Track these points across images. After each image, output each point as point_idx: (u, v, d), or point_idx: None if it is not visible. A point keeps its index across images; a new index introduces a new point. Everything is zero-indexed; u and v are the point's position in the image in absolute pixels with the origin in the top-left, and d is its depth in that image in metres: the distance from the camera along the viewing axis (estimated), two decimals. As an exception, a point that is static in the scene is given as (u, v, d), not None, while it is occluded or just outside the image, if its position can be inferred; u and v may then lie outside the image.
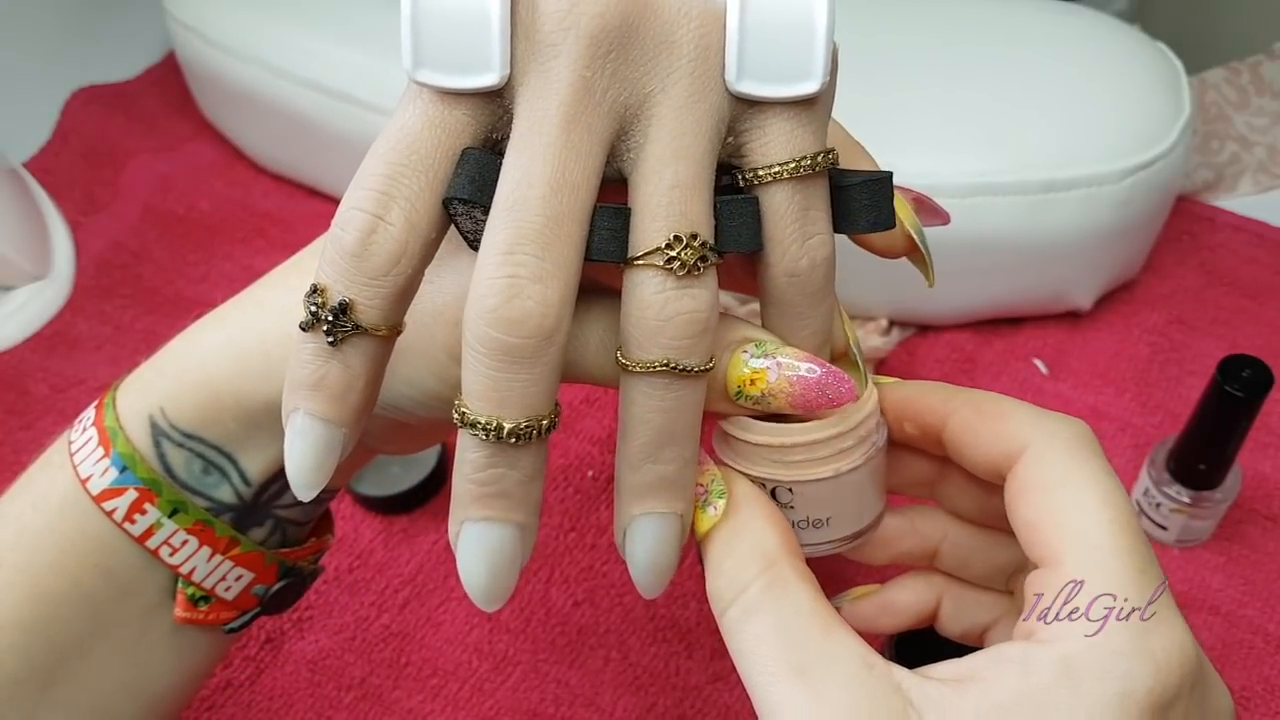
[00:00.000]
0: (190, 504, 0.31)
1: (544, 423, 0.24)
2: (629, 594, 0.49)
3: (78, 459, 0.31)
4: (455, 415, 0.24)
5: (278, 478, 0.32)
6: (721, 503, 0.28)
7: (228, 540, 0.32)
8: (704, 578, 0.27)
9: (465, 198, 0.24)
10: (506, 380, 0.23)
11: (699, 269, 0.24)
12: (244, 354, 0.30)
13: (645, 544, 0.26)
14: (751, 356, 0.26)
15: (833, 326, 0.28)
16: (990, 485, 0.29)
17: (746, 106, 0.25)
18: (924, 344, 0.60)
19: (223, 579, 0.32)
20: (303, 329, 0.25)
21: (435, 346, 0.28)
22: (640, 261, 0.24)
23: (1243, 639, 0.48)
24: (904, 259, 0.30)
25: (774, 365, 0.26)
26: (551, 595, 0.50)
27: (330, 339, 0.24)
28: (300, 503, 0.34)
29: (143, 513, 0.31)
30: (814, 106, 0.25)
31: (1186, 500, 0.48)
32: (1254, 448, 0.54)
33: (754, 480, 0.28)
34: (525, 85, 0.24)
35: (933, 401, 0.29)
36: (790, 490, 0.28)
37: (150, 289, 0.64)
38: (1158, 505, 0.49)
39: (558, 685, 0.47)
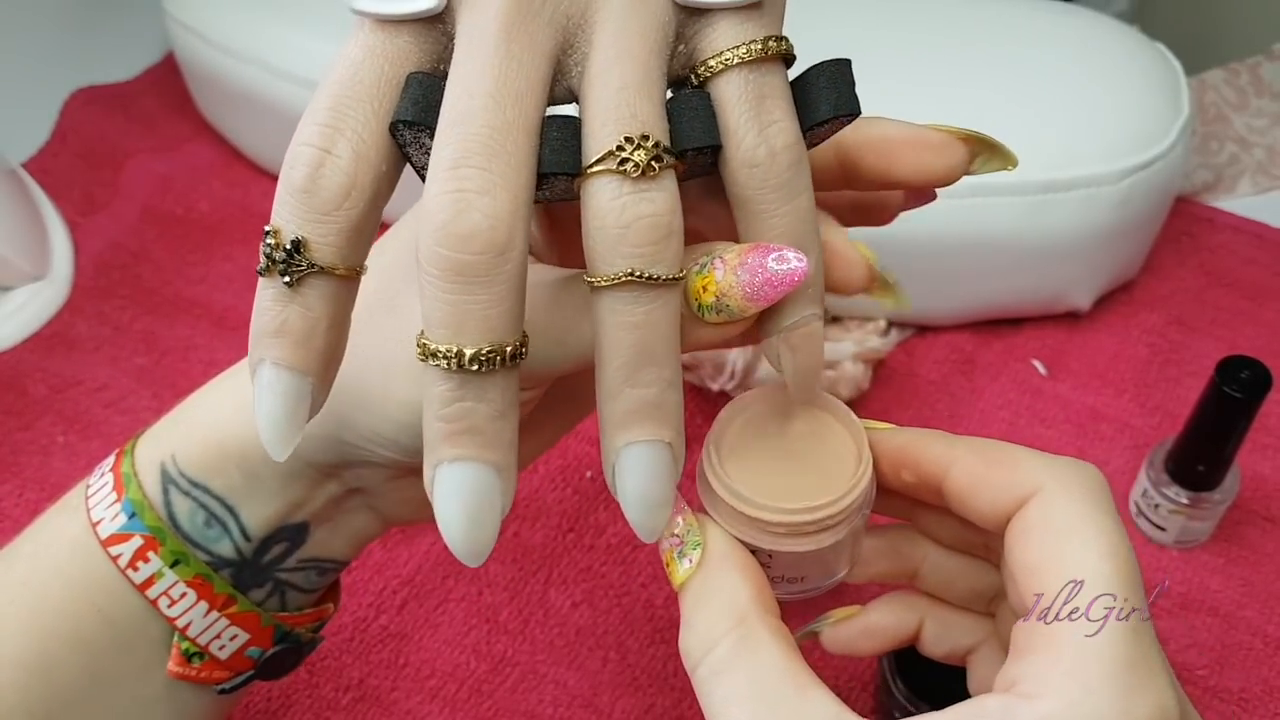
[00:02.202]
0: (191, 556, 0.31)
1: (508, 350, 0.23)
2: (627, 595, 0.49)
3: (92, 502, 0.31)
4: (417, 349, 0.23)
5: (278, 536, 0.32)
6: (696, 554, 0.27)
7: (225, 597, 0.31)
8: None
9: (410, 119, 0.23)
10: (463, 303, 0.22)
11: (654, 169, 0.23)
12: (250, 402, 0.30)
13: (634, 476, 0.25)
14: (700, 266, 0.25)
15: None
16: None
17: (694, 16, 0.25)
18: (923, 344, 0.59)
19: (217, 636, 0.32)
20: (260, 274, 0.24)
21: (389, 401, 0.28)
22: (593, 169, 0.23)
23: (1241, 640, 0.48)
24: (865, 294, 0.29)
25: (719, 265, 0.25)
26: (550, 596, 0.49)
27: (286, 279, 0.23)
28: (304, 568, 0.33)
29: (145, 560, 0.31)
30: (762, 8, 0.25)
31: (1185, 501, 0.48)
32: (1252, 449, 0.54)
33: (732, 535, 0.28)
34: (463, 4, 0.24)
35: (934, 451, 0.28)
36: (769, 554, 0.28)
37: (149, 289, 0.64)
38: (1156, 506, 0.49)
39: (556, 686, 0.47)
